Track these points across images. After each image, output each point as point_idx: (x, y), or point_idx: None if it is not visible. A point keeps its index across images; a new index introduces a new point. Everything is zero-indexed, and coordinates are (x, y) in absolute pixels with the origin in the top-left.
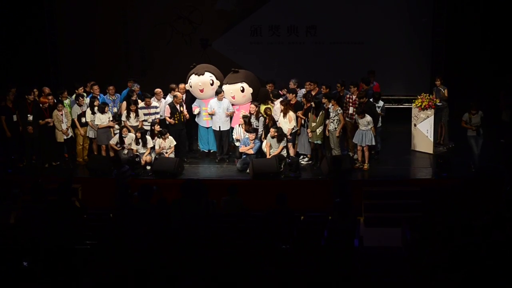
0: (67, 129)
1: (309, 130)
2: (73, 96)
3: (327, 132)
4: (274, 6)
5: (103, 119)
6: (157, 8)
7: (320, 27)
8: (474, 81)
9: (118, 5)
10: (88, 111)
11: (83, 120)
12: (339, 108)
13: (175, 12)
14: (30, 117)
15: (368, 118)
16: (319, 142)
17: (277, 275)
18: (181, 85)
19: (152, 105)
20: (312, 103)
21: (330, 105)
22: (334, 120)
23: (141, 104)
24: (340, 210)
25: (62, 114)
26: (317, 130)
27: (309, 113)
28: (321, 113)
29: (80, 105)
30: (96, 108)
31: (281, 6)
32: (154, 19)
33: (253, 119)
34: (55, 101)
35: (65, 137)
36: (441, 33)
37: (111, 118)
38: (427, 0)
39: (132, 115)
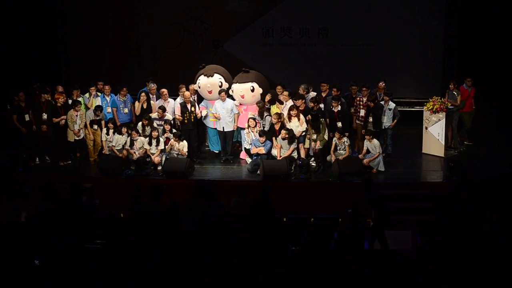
0: (79, 130)
1: (313, 143)
2: (86, 95)
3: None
4: (286, 7)
5: (119, 141)
6: (169, 8)
7: (332, 29)
8: (486, 84)
9: (130, 6)
10: (104, 132)
11: (95, 126)
12: (346, 139)
13: (187, 13)
14: (45, 116)
15: (375, 142)
16: (320, 147)
17: (286, 276)
18: (191, 86)
19: (165, 117)
20: (309, 116)
21: (335, 139)
22: (344, 151)
23: (154, 115)
24: (352, 220)
25: (77, 115)
26: (324, 136)
27: (309, 125)
28: (321, 124)
29: (97, 116)
30: (111, 131)
31: (293, 8)
32: (166, 19)
33: (258, 119)
34: (68, 99)
35: (76, 138)
36: (453, 35)
37: (127, 143)
38: (439, 2)
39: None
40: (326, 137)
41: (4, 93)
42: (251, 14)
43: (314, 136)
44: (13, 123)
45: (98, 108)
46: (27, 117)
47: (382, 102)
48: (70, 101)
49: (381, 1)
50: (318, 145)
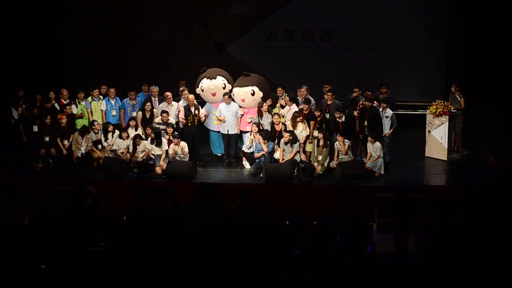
0: (88, 151)
1: (316, 163)
2: (89, 98)
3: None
4: (290, 10)
5: (121, 145)
6: (172, 11)
7: (335, 32)
8: (490, 88)
9: (133, 9)
10: (103, 137)
11: (99, 147)
12: (347, 141)
13: (190, 16)
14: (47, 139)
15: (377, 144)
16: (321, 172)
17: (289, 280)
18: (167, 93)
19: (168, 121)
20: (320, 134)
21: (337, 143)
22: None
23: (157, 119)
24: (353, 221)
25: (83, 138)
26: (324, 162)
27: (314, 145)
28: (327, 147)
29: (95, 133)
30: (110, 134)
31: (297, 11)
32: (169, 22)
33: (257, 120)
34: (72, 102)
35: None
36: (456, 39)
37: (130, 148)
38: (443, 5)
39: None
40: (326, 163)
41: (6, 95)
42: (254, 17)
43: (319, 158)
44: (19, 131)
45: (94, 122)
46: (35, 128)
47: (381, 109)
48: (74, 105)
49: (384, 4)
50: (319, 169)
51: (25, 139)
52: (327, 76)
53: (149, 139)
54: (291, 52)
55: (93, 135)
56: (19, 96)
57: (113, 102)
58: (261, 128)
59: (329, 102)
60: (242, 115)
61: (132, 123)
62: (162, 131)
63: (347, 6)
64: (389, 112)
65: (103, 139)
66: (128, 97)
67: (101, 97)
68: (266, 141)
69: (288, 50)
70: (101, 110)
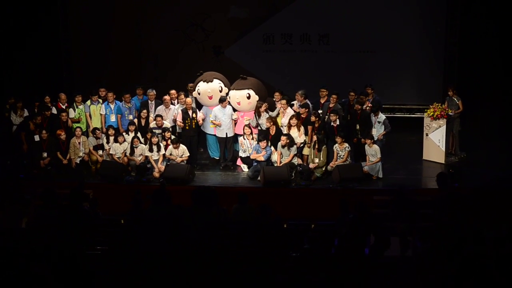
0: (84, 154)
1: (311, 165)
2: (88, 102)
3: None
4: (287, 14)
5: (117, 150)
6: (171, 15)
7: (333, 36)
8: (487, 91)
9: (132, 12)
10: (105, 140)
11: (100, 152)
12: (347, 146)
13: (188, 20)
14: (45, 154)
15: (375, 147)
16: (318, 175)
17: (287, 283)
18: (172, 91)
19: (163, 126)
20: (314, 137)
21: (336, 145)
22: (342, 156)
23: (152, 123)
24: (352, 226)
25: (79, 143)
26: (321, 164)
27: (311, 148)
28: (323, 148)
29: (97, 138)
30: (112, 138)
31: (294, 14)
32: (167, 26)
33: (254, 122)
34: (70, 106)
35: (77, 162)
36: (454, 42)
37: (128, 151)
38: (441, 9)
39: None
40: (324, 165)
41: (3, 100)
42: (252, 21)
43: (316, 160)
44: (19, 138)
45: (96, 129)
46: (36, 138)
47: (373, 115)
48: (71, 109)
49: (382, 7)
50: (313, 166)
51: (26, 147)
52: (325, 80)
53: (147, 145)
54: (289, 56)
55: (93, 140)
56: (12, 102)
57: (112, 106)
58: (259, 128)
59: (331, 105)
60: (237, 119)
61: (132, 127)
62: (158, 135)
63: (344, 10)
64: (381, 117)
65: (105, 142)
66: (123, 101)
67: (100, 100)
68: (264, 141)
69: (285, 54)
70: (101, 114)
